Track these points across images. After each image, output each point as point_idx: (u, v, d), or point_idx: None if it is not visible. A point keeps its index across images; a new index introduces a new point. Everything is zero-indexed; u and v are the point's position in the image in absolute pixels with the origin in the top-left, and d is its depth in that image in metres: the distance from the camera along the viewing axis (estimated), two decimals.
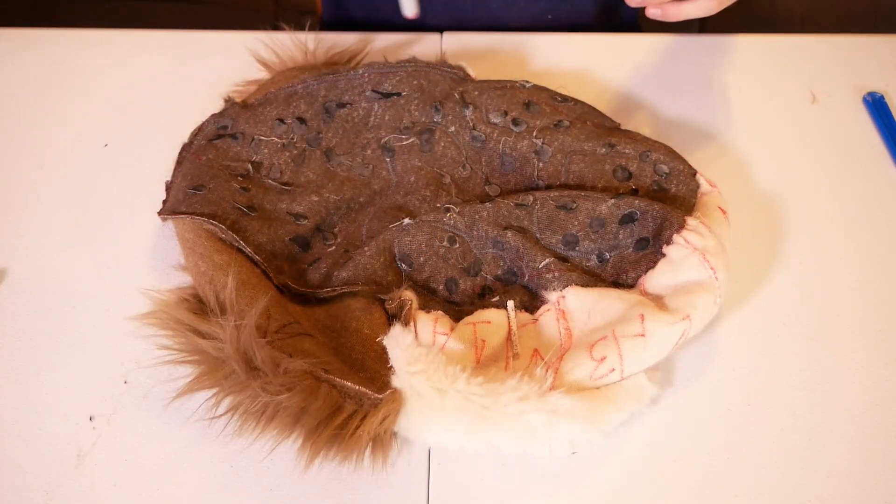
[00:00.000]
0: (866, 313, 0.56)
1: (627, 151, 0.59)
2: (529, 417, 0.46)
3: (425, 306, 0.53)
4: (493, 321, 0.53)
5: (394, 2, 0.70)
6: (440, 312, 0.53)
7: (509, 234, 0.56)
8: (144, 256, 0.59)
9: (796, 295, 0.57)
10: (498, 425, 0.46)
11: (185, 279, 0.56)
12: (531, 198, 0.57)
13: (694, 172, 0.58)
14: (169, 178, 0.60)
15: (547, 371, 0.49)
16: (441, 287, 0.55)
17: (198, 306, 0.52)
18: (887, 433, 0.50)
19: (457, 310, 0.54)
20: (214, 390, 0.48)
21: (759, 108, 0.70)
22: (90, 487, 0.48)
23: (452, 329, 0.52)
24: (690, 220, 0.54)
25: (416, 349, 0.49)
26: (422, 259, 0.56)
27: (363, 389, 0.47)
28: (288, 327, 0.50)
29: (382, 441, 0.48)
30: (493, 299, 0.55)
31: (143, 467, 0.49)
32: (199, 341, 0.49)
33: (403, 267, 0.56)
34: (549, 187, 0.60)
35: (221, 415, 0.48)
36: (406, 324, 0.51)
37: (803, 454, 0.49)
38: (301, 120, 0.63)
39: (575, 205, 0.56)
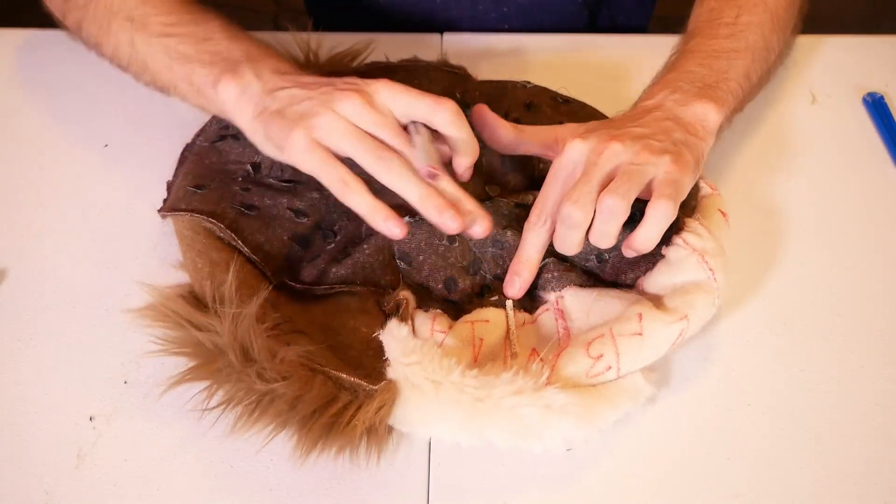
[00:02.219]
0: (866, 313, 0.56)
1: None
2: (523, 411, 0.46)
3: (423, 305, 0.53)
4: (492, 320, 0.53)
5: None
6: (438, 311, 0.53)
7: (509, 233, 0.56)
8: (144, 256, 0.59)
9: (796, 295, 0.57)
10: (492, 418, 0.46)
11: (184, 278, 0.56)
12: (531, 198, 0.57)
13: None
14: (170, 178, 0.60)
15: (543, 367, 0.49)
16: (440, 286, 0.55)
17: (194, 301, 0.52)
18: (887, 433, 0.50)
19: (455, 308, 0.54)
20: (207, 382, 0.48)
21: (758, 108, 0.70)
22: (90, 487, 0.48)
23: (451, 327, 0.52)
24: (689, 222, 0.54)
25: (412, 341, 0.49)
26: (421, 258, 0.56)
27: (358, 381, 0.48)
28: (283, 325, 0.50)
29: (378, 432, 0.47)
30: (493, 298, 0.55)
31: (143, 467, 0.49)
32: (194, 333, 0.49)
33: (402, 265, 0.56)
34: None
35: (214, 407, 0.48)
36: (403, 322, 0.51)
37: (803, 454, 0.49)
38: None
39: None
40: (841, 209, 0.63)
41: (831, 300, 0.57)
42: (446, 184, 0.50)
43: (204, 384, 0.49)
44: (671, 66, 0.60)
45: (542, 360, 0.50)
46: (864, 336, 0.55)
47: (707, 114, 0.55)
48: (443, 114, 0.50)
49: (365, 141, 0.50)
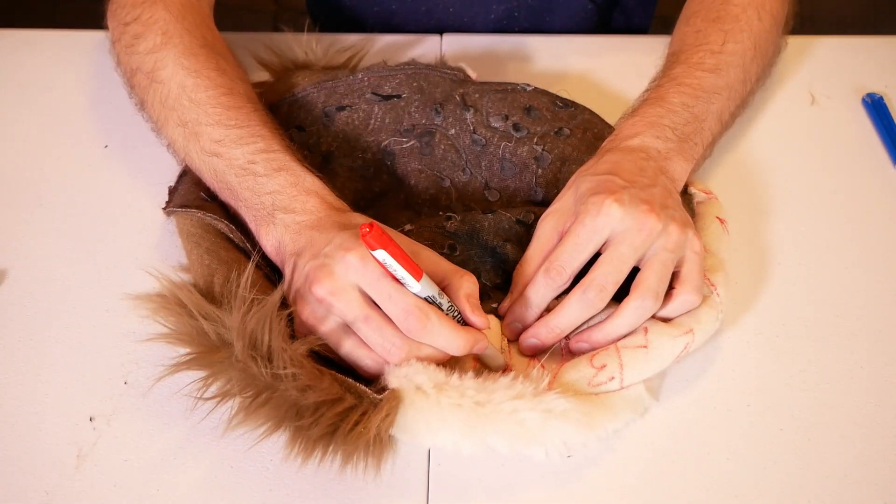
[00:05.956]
0: (866, 313, 0.56)
1: None
2: (524, 416, 0.46)
3: None
4: (493, 327, 0.53)
5: None
6: None
7: (508, 246, 0.55)
8: (144, 257, 0.59)
9: (796, 295, 0.57)
10: (493, 424, 0.46)
11: (185, 279, 0.56)
12: (532, 216, 0.57)
13: (685, 188, 0.58)
14: (172, 184, 0.60)
15: (544, 372, 0.49)
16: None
17: (202, 292, 0.51)
18: (887, 433, 0.50)
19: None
20: (206, 372, 0.48)
21: (758, 109, 0.70)
22: (90, 487, 0.48)
23: None
24: None
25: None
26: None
27: (363, 388, 0.48)
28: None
29: (381, 441, 0.47)
30: (493, 305, 0.55)
31: (143, 468, 0.49)
32: (201, 322, 0.49)
33: None
34: (546, 198, 0.59)
35: (210, 398, 0.48)
36: None
37: (803, 454, 0.49)
38: (300, 128, 0.63)
39: None
40: (840, 210, 0.63)
41: (831, 300, 0.57)
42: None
43: (202, 374, 0.48)
44: (657, 98, 0.59)
45: (542, 366, 0.50)
46: (864, 336, 0.55)
47: (682, 175, 0.57)
48: (409, 331, 0.47)
49: (333, 335, 0.49)
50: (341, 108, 0.63)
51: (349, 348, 0.48)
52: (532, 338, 0.52)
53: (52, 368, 0.53)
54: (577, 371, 0.49)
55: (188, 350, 0.49)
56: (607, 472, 0.49)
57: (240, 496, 0.47)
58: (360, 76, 0.64)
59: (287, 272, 0.51)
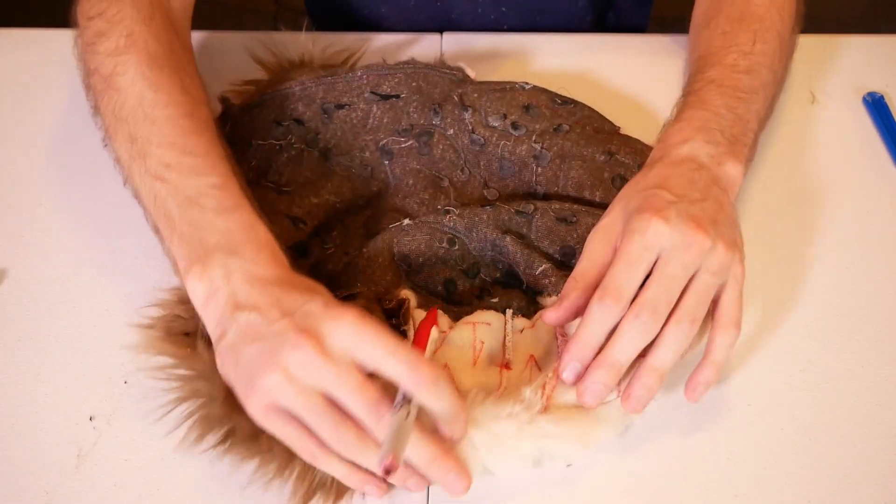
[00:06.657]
0: (866, 313, 0.56)
1: (627, 161, 0.59)
2: (521, 446, 0.47)
3: (424, 306, 0.53)
4: (493, 323, 0.53)
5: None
6: (439, 307, 0.53)
7: (508, 238, 0.55)
8: (144, 256, 0.59)
9: (796, 295, 0.57)
10: (490, 453, 0.47)
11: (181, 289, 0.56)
12: (532, 206, 0.57)
13: None
14: None
15: (540, 394, 0.48)
16: (440, 288, 0.55)
17: (185, 326, 0.52)
18: (887, 433, 0.50)
19: (455, 311, 0.54)
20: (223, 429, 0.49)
21: None
22: (90, 487, 0.48)
23: (451, 327, 0.52)
24: None
25: None
26: (420, 260, 0.56)
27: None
28: None
29: None
30: (493, 300, 0.54)
31: (143, 467, 0.49)
32: (187, 378, 0.50)
33: (402, 267, 0.56)
34: (547, 195, 0.59)
35: (214, 446, 0.49)
36: (405, 322, 0.51)
37: (803, 454, 0.49)
38: (298, 121, 0.63)
39: (575, 219, 0.56)
40: (840, 210, 0.63)
41: (831, 300, 0.57)
42: (417, 454, 0.44)
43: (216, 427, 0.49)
44: (699, 101, 0.57)
45: (542, 386, 0.49)
46: (864, 336, 0.55)
47: (737, 178, 0.54)
48: (415, 382, 0.43)
49: (314, 409, 0.43)
50: (340, 107, 0.63)
51: (328, 429, 0.44)
52: (594, 384, 0.46)
53: (52, 368, 0.53)
54: (572, 394, 0.48)
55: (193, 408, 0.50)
56: (607, 472, 0.49)
57: (240, 496, 0.47)
58: (359, 73, 0.64)
59: (221, 329, 0.46)
